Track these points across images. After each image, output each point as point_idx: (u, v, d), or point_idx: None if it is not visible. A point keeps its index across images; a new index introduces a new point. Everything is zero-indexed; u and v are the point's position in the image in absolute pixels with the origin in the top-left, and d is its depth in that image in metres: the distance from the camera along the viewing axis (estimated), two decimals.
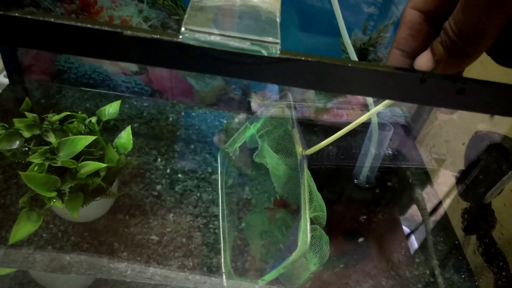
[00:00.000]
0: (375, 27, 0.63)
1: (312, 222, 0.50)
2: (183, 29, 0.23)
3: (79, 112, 0.56)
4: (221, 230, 0.59)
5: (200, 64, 0.24)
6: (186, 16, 0.25)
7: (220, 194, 0.64)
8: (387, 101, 0.38)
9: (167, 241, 0.58)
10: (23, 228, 0.47)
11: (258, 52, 0.24)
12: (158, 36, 0.23)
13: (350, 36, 0.65)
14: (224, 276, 0.55)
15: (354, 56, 0.53)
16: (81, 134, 0.55)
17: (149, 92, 0.73)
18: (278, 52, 0.24)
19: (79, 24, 0.22)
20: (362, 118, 0.47)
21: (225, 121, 0.79)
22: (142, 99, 0.76)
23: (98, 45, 0.23)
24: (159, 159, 0.69)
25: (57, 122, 0.53)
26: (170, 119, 0.76)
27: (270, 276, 0.51)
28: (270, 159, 0.59)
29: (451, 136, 0.71)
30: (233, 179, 0.68)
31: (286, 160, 0.59)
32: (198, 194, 0.65)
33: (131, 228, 0.58)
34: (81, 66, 0.69)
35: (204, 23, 0.24)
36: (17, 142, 0.49)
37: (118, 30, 0.23)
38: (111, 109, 0.59)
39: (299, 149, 0.54)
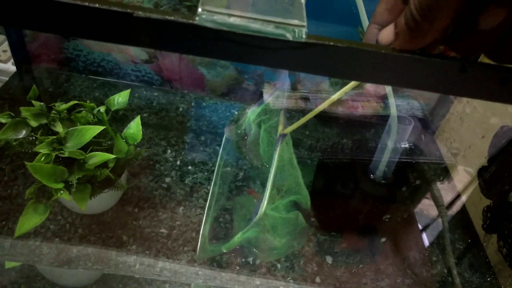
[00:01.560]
0: None
1: (298, 208, 0.52)
2: (200, 10, 0.21)
3: (88, 101, 0.54)
4: (207, 206, 0.59)
5: (218, 49, 0.22)
6: (201, 5, 0.22)
7: (215, 174, 0.63)
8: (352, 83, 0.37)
9: (176, 235, 0.56)
10: (30, 220, 0.46)
11: (282, 36, 0.21)
12: (173, 18, 0.21)
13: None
14: (198, 247, 0.54)
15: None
16: (89, 124, 0.53)
17: (159, 81, 0.71)
18: (305, 36, 0.22)
19: (86, 3, 0.20)
20: (343, 91, 0.46)
21: (236, 112, 0.77)
22: (152, 89, 0.74)
23: (106, 27, 0.21)
24: (169, 151, 0.67)
25: (65, 111, 0.52)
26: (180, 109, 0.74)
27: (231, 244, 0.52)
28: (262, 145, 0.60)
29: (471, 130, 0.68)
30: (231, 161, 0.67)
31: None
32: (209, 187, 0.63)
33: (140, 221, 0.57)
34: (90, 54, 0.67)
35: (223, 4, 0.22)
36: (24, 132, 0.47)
37: (129, 11, 0.21)
38: (120, 98, 0.58)
39: (280, 128, 0.55)
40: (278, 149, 0.52)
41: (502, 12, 0.22)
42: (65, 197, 0.46)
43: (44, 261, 0.49)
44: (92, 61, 0.69)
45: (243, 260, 0.55)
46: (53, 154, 0.46)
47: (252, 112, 0.61)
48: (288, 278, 0.54)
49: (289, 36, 0.21)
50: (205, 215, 0.57)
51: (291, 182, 0.50)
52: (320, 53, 0.22)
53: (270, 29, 0.21)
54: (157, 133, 0.69)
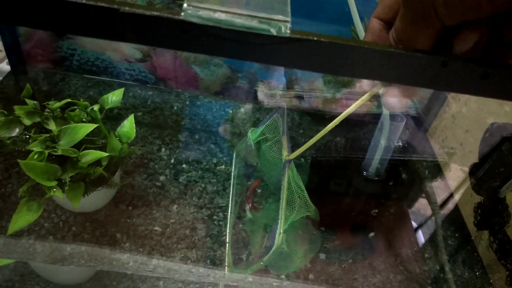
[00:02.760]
0: None
1: (307, 217, 0.52)
2: (185, 5, 0.21)
3: (81, 100, 0.55)
4: (228, 223, 0.59)
5: (203, 44, 0.23)
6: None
7: (231, 189, 0.64)
8: (374, 90, 0.37)
9: (170, 233, 0.56)
10: (23, 218, 0.46)
11: (266, 31, 0.22)
12: (158, 13, 0.21)
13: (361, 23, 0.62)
14: (226, 268, 0.54)
15: None
16: (83, 122, 0.53)
17: (153, 80, 0.71)
18: (289, 31, 0.22)
19: None
20: (350, 110, 0.46)
21: (230, 111, 0.77)
22: (146, 88, 0.74)
23: (93, 22, 0.22)
24: (163, 149, 0.67)
25: (58, 109, 0.52)
26: (175, 108, 0.75)
27: (255, 267, 0.52)
28: (264, 163, 0.61)
29: (463, 128, 0.69)
30: (242, 173, 0.67)
31: (277, 165, 0.60)
32: (203, 185, 0.63)
33: (134, 219, 0.57)
34: (84, 53, 0.68)
35: (209, 0, 0.22)
36: (17, 130, 0.47)
37: (115, 6, 0.21)
38: (114, 97, 0.58)
39: (284, 153, 0.56)
40: (285, 176, 0.52)
41: None
42: (58, 195, 0.46)
43: (37, 258, 0.49)
44: (86, 60, 0.69)
45: (237, 256, 0.55)
46: (46, 152, 0.46)
47: (252, 132, 0.62)
48: (281, 275, 0.55)
49: (273, 31, 0.22)
50: (227, 236, 0.58)
51: (301, 203, 0.51)
52: (304, 48, 0.23)
53: (254, 24, 0.22)
54: (151, 131, 0.70)
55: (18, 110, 0.49)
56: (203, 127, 0.73)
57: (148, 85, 0.72)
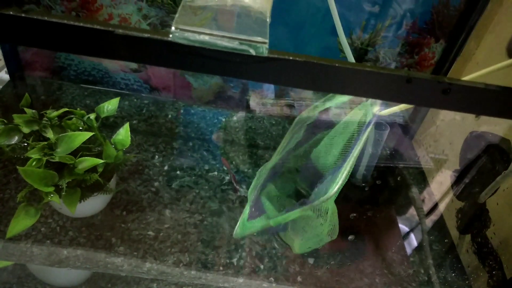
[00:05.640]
0: (375, 26, 0.63)
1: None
2: (173, 28, 0.24)
3: (78, 109, 0.57)
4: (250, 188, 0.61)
5: (190, 63, 0.25)
6: (177, 15, 0.25)
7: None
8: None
9: (163, 237, 0.58)
10: (21, 222, 0.48)
11: (246, 52, 0.24)
12: (149, 35, 0.24)
13: (347, 35, 0.65)
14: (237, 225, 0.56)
15: (350, 56, 0.53)
16: (80, 130, 0.55)
17: (148, 89, 0.74)
18: (266, 51, 0.24)
19: (72, 22, 0.23)
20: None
21: (223, 119, 0.80)
22: (141, 97, 0.76)
23: (90, 43, 0.24)
24: (157, 156, 0.70)
25: (56, 118, 0.54)
26: (169, 116, 0.77)
27: (279, 219, 0.52)
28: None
29: (447, 136, 0.72)
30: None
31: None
32: (196, 191, 0.66)
33: (128, 223, 0.59)
34: (81, 63, 0.70)
35: (195, 23, 0.25)
36: (16, 138, 0.49)
37: (110, 28, 0.23)
38: (110, 106, 0.60)
39: (375, 108, 0.55)
40: (366, 132, 0.52)
41: None
42: (55, 200, 0.48)
43: (35, 261, 0.51)
44: (83, 70, 0.71)
45: (228, 261, 0.57)
46: (44, 159, 0.48)
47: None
48: (270, 278, 0.57)
49: (252, 52, 0.24)
50: (248, 195, 0.59)
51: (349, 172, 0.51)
52: (281, 66, 0.25)
53: (235, 45, 0.24)
54: (146, 139, 0.72)
55: (17, 119, 0.51)
56: (197, 135, 0.75)
57: (143, 94, 0.75)
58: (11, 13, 0.23)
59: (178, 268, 0.55)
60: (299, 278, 0.58)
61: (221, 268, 0.56)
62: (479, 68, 0.42)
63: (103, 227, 0.58)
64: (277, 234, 0.61)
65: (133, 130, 0.73)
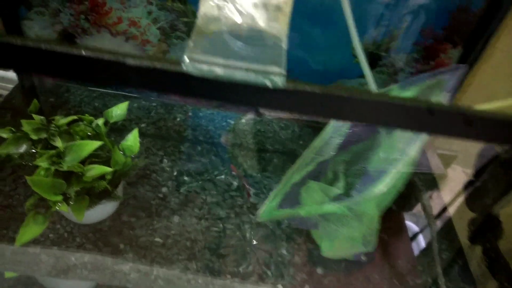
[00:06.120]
0: (389, 31, 0.62)
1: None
2: (186, 58, 0.23)
3: (86, 115, 0.56)
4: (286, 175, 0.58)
5: (204, 92, 0.24)
6: (189, 42, 0.24)
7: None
8: None
9: (171, 244, 0.58)
10: (30, 231, 0.48)
11: (263, 84, 0.23)
12: (161, 66, 0.23)
13: (361, 40, 0.64)
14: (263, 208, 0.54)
15: (365, 66, 0.52)
16: (88, 136, 0.55)
17: (157, 93, 0.73)
18: (284, 84, 0.23)
19: (83, 53, 0.22)
20: None
21: (232, 122, 0.79)
22: (150, 100, 0.76)
23: (102, 73, 0.23)
24: (165, 161, 0.69)
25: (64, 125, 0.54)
26: (178, 119, 0.76)
27: (308, 210, 0.50)
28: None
29: (461, 144, 0.70)
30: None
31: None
32: (204, 197, 0.65)
33: (136, 230, 0.59)
34: None
35: (208, 49, 0.24)
36: (25, 146, 0.49)
37: (120, 59, 0.22)
38: (119, 110, 0.59)
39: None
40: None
41: None
42: (63, 209, 0.48)
43: (43, 270, 0.51)
44: None
45: (235, 269, 0.57)
46: (53, 168, 0.48)
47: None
48: (278, 285, 0.56)
49: (269, 84, 0.23)
50: (282, 182, 0.56)
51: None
52: (299, 97, 0.24)
53: (251, 78, 0.23)
54: (155, 143, 0.71)
55: (26, 126, 0.51)
56: (205, 138, 0.74)
57: (152, 97, 0.74)
58: (19, 43, 0.22)
59: (185, 275, 0.55)
60: (306, 287, 0.57)
61: (228, 275, 0.56)
62: (495, 72, 0.41)
63: (111, 233, 0.58)
64: (308, 230, 0.59)
65: (141, 133, 0.73)
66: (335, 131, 0.59)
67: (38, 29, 0.64)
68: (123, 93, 0.73)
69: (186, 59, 0.23)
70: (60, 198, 0.48)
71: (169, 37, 0.63)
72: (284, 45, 0.26)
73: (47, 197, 0.47)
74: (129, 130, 0.58)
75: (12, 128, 0.50)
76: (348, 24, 0.50)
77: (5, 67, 0.23)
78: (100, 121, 0.56)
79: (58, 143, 0.49)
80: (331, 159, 0.59)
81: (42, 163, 0.48)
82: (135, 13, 0.60)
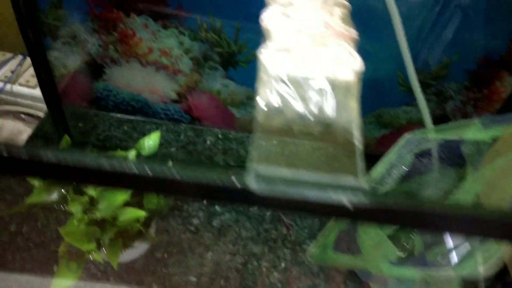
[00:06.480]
0: (440, 59, 0.57)
1: None
2: (251, 175, 0.20)
3: (118, 150, 0.54)
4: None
5: (269, 205, 0.21)
6: (252, 151, 0.21)
7: None
8: None
9: (205, 283, 0.56)
10: (64, 282, 0.46)
11: (339, 202, 0.20)
12: (223, 184, 0.20)
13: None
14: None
15: (422, 100, 0.47)
16: None
17: (188, 119, 0.70)
18: (363, 199, 0.20)
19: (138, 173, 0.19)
20: None
21: None
22: (180, 126, 0.73)
23: (155, 188, 0.20)
24: None
25: None
26: (208, 143, 0.73)
27: (391, 271, 0.44)
28: None
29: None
30: None
31: None
32: (237, 230, 0.63)
33: (169, 268, 0.57)
34: (119, 93, 0.67)
35: (274, 157, 0.21)
36: (55, 194, 0.47)
37: (177, 177, 0.20)
38: (151, 141, 0.57)
39: None
40: None
41: None
42: (97, 258, 0.46)
43: None
44: (121, 100, 0.68)
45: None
46: (86, 218, 0.46)
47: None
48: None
49: (346, 202, 0.20)
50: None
51: None
52: (380, 211, 0.21)
53: (326, 197, 0.20)
54: None
55: None
56: (237, 164, 0.72)
57: (183, 124, 0.71)
58: (51, 160, 0.19)
59: None
60: None
61: None
62: None
63: (145, 272, 0.56)
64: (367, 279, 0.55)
65: (170, 157, 0.71)
66: (399, 158, 0.53)
67: (65, 60, 0.62)
68: (153, 119, 0.70)
69: (252, 177, 0.20)
70: (93, 246, 0.47)
71: (202, 66, 0.60)
72: (358, 142, 0.22)
73: (80, 246, 0.45)
74: (161, 158, 0.56)
75: None
76: (403, 55, 0.46)
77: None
78: (132, 154, 0.54)
79: (91, 191, 0.47)
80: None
81: (75, 211, 0.46)
82: (167, 43, 0.57)
